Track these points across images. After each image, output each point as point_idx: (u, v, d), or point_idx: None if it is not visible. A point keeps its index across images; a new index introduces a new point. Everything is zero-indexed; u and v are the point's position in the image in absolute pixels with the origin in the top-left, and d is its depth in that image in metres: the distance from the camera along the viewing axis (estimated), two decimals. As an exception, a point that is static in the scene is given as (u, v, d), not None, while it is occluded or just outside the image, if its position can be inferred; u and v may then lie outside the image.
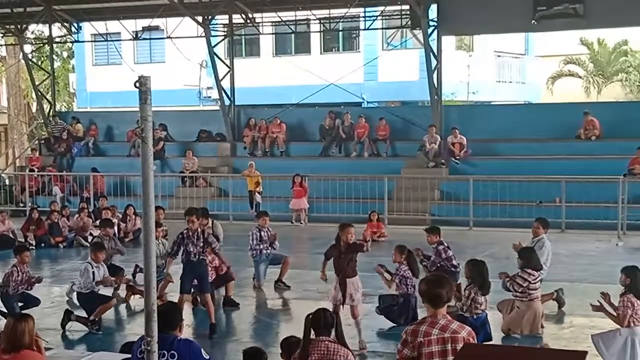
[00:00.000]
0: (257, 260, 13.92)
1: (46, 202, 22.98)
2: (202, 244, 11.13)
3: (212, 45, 26.32)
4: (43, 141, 29.62)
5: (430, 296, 5.64)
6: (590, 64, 38.11)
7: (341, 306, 9.94)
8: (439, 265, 11.96)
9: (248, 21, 27.31)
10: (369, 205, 20.74)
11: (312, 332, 6.91)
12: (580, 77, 37.80)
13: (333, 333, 7.00)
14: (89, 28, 32.06)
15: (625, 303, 8.76)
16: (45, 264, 17.24)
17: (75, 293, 12.26)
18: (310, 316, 6.91)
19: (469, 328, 5.73)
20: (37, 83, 30.69)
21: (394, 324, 11.10)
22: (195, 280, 11.24)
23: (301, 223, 21.95)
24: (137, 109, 5.02)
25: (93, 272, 11.49)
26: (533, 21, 22.12)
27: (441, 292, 5.60)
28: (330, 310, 7.88)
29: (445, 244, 12.26)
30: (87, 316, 11.40)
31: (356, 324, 10.15)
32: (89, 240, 17.43)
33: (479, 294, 9.71)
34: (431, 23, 23.47)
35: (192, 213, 11.37)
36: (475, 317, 9.59)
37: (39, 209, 20.76)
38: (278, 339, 10.92)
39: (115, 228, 17.29)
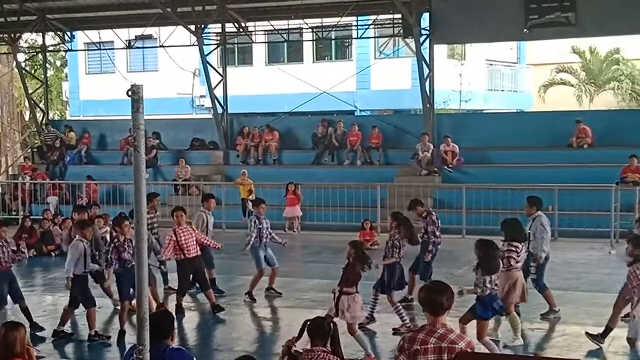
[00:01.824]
0: (255, 247, 13.64)
1: (39, 210, 22.93)
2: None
3: (205, 53, 26.35)
4: (36, 149, 29.58)
5: (430, 304, 5.55)
6: (582, 72, 38.19)
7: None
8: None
9: (241, 30, 27.36)
10: (362, 213, 20.77)
11: (309, 339, 6.83)
12: (572, 85, 37.87)
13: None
14: (82, 37, 32.06)
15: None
16: (38, 272, 17.18)
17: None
18: (309, 323, 6.80)
19: (469, 339, 5.64)
20: (30, 91, 30.66)
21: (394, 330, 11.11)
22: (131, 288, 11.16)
23: (294, 231, 21.94)
24: (130, 118, 5.03)
25: (84, 246, 11.19)
26: (525, 30, 22.17)
27: (441, 299, 5.50)
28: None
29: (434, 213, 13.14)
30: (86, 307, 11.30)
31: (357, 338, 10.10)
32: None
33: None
34: (423, 32, 23.54)
35: (124, 220, 11.53)
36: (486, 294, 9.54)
37: (31, 217, 20.70)
38: (271, 347, 10.97)
39: (108, 236, 17.31)
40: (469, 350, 5.51)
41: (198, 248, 12.80)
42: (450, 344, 5.46)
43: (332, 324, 6.85)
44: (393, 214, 11.90)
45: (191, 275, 12.91)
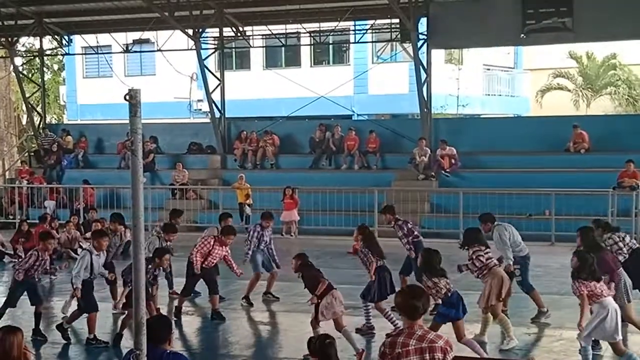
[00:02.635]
0: (254, 251, 13.66)
1: (36, 214, 22.91)
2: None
3: (203, 58, 26.38)
4: (33, 153, 29.56)
5: (407, 308, 5.65)
6: (579, 77, 38.28)
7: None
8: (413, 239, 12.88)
9: (238, 34, 27.39)
10: (359, 217, 20.73)
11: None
12: (569, 90, 37.95)
13: None
14: (79, 41, 32.09)
15: None
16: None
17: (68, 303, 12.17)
18: (316, 343, 6.73)
19: (446, 338, 5.76)
20: (27, 95, 30.65)
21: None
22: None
23: (291, 235, 21.94)
24: (128, 122, 5.03)
25: (91, 259, 11.16)
26: (522, 35, 22.23)
27: (417, 303, 5.61)
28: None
29: (401, 219, 13.41)
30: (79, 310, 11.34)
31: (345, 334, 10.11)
32: (78, 253, 17.33)
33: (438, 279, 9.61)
34: (421, 36, 23.57)
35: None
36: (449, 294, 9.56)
37: (28, 221, 20.67)
38: (268, 352, 10.96)
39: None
40: (447, 348, 5.61)
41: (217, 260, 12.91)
42: (430, 343, 5.58)
43: (333, 343, 6.72)
44: (359, 228, 11.92)
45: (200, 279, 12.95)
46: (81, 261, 11.21)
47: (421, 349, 5.54)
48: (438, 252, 9.87)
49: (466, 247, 10.85)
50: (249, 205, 22.90)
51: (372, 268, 11.18)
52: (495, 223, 12.08)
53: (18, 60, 31.19)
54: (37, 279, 11.79)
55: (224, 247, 12.79)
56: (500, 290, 10.55)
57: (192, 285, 12.95)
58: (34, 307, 11.50)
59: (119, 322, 11.62)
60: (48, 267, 11.91)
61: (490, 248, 11.06)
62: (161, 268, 11.68)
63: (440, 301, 9.59)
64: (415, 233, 13.22)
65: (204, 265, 12.63)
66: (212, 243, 12.73)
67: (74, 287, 11.13)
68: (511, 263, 11.72)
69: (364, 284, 11.63)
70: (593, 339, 9.39)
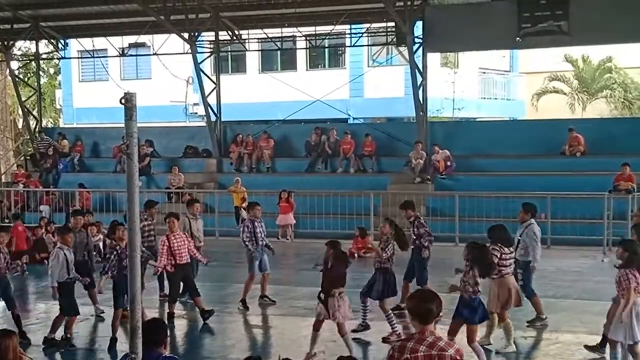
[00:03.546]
0: (251, 251, 13.54)
1: (32, 218, 22.87)
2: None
3: (199, 61, 26.38)
4: (29, 157, 29.52)
5: (419, 312, 5.54)
6: (574, 80, 38.33)
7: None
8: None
9: (234, 38, 27.40)
10: (355, 221, 20.76)
11: None
12: (565, 93, 38.00)
13: None
14: (75, 44, 32.05)
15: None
16: (31, 280, 17.12)
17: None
18: None
19: (457, 346, 5.65)
20: (23, 99, 30.62)
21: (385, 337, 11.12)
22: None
23: (287, 239, 21.93)
24: (123, 125, 5.04)
25: (65, 254, 11.11)
26: (518, 38, 22.23)
27: (430, 307, 5.50)
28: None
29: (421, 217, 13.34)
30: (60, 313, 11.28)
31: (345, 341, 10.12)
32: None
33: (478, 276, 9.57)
34: (416, 40, 23.58)
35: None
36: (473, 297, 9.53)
37: (24, 224, 20.63)
38: (264, 355, 10.93)
39: (101, 244, 17.37)
40: (458, 357, 5.50)
41: (189, 255, 12.83)
42: (440, 351, 5.46)
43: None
44: (388, 220, 11.86)
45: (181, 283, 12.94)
46: (55, 259, 11.15)
47: (430, 356, 5.42)
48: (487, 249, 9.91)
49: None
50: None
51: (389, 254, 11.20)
52: (532, 220, 12.12)
53: (14, 64, 31.15)
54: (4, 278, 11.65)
55: (180, 238, 12.65)
56: (506, 303, 10.52)
57: (176, 287, 12.86)
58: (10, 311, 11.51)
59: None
60: (9, 263, 11.81)
61: (512, 252, 10.95)
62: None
63: (468, 295, 9.52)
64: (431, 234, 13.15)
65: (178, 262, 12.54)
66: (164, 241, 12.64)
67: (50, 286, 11.13)
68: (536, 265, 11.81)
69: (361, 287, 11.62)
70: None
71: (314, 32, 27.41)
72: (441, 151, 23.25)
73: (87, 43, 29.58)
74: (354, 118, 30.68)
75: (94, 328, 12.51)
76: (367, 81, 32.29)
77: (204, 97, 26.52)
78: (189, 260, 12.90)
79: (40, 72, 33.45)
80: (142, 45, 31.42)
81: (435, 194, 22.83)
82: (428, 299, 5.60)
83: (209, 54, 27.93)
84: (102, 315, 12.79)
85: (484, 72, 37.24)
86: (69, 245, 11.42)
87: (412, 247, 12.75)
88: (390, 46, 27.74)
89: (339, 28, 26.98)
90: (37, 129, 29.88)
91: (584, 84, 38.11)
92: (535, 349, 11.07)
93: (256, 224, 13.65)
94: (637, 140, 22.32)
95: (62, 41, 29.98)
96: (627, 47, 31.42)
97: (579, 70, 38.30)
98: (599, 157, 22.17)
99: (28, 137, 31.00)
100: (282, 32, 27.51)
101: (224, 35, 27.04)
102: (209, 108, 26.49)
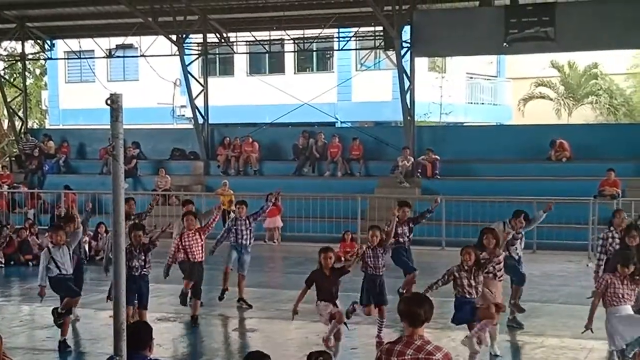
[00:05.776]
0: (230, 245, 13.62)
1: (17, 219, 22.75)
2: (144, 258, 11.11)
3: (186, 63, 26.33)
4: (14, 158, 29.36)
5: (409, 315, 5.52)
6: (561, 86, 38.56)
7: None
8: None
9: (222, 40, 27.37)
10: (342, 224, 20.77)
11: None
12: (551, 99, 38.22)
13: None
14: (62, 45, 31.91)
15: None
16: (15, 282, 17.05)
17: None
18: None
19: (446, 350, 5.59)
20: (9, 100, 30.47)
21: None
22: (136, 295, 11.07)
23: (274, 242, 21.91)
24: (110, 127, 5.02)
25: (51, 257, 10.93)
26: (505, 44, 22.33)
27: (420, 311, 5.48)
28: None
29: None
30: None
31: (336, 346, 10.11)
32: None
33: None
34: (404, 44, 23.63)
35: (139, 228, 11.42)
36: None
37: (8, 226, 20.54)
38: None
39: (87, 246, 17.28)
40: None
41: (203, 255, 12.70)
42: (427, 355, 5.43)
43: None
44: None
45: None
46: (42, 259, 11.07)
47: (417, 359, 5.40)
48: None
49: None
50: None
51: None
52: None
53: (0, 64, 31.02)
54: None
55: (193, 237, 12.55)
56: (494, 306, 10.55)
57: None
58: None
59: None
60: None
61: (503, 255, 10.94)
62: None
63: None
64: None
65: (189, 259, 12.45)
66: (178, 240, 12.57)
67: (38, 285, 11.05)
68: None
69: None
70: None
71: (302, 36, 27.42)
72: (427, 156, 23.34)
73: (73, 44, 29.47)
74: (341, 122, 30.72)
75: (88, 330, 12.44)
76: (354, 85, 32.34)
77: (191, 100, 26.47)
78: (202, 260, 12.73)
79: (26, 73, 33.31)
80: (130, 46, 31.35)
81: (421, 198, 22.83)
82: (419, 302, 5.59)
83: (196, 56, 27.89)
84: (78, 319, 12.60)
85: (472, 77, 37.39)
86: (60, 242, 11.22)
87: (395, 246, 12.66)
88: (378, 50, 27.84)
89: (327, 32, 27.04)
90: (22, 130, 29.73)
91: (570, 90, 38.35)
92: (520, 353, 11.09)
93: (239, 222, 13.64)
94: (622, 146, 22.49)
95: (48, 42, 29.88)
96: (613, 54, 31.63)
97: (565, 76, 38.54)
98: (584, 162, 22.29)
99: (13, 138, 30.85)
100: (270, 35, 27.50)
101: (212, 37, 27.00)
102: (196, 110, 26.44)
